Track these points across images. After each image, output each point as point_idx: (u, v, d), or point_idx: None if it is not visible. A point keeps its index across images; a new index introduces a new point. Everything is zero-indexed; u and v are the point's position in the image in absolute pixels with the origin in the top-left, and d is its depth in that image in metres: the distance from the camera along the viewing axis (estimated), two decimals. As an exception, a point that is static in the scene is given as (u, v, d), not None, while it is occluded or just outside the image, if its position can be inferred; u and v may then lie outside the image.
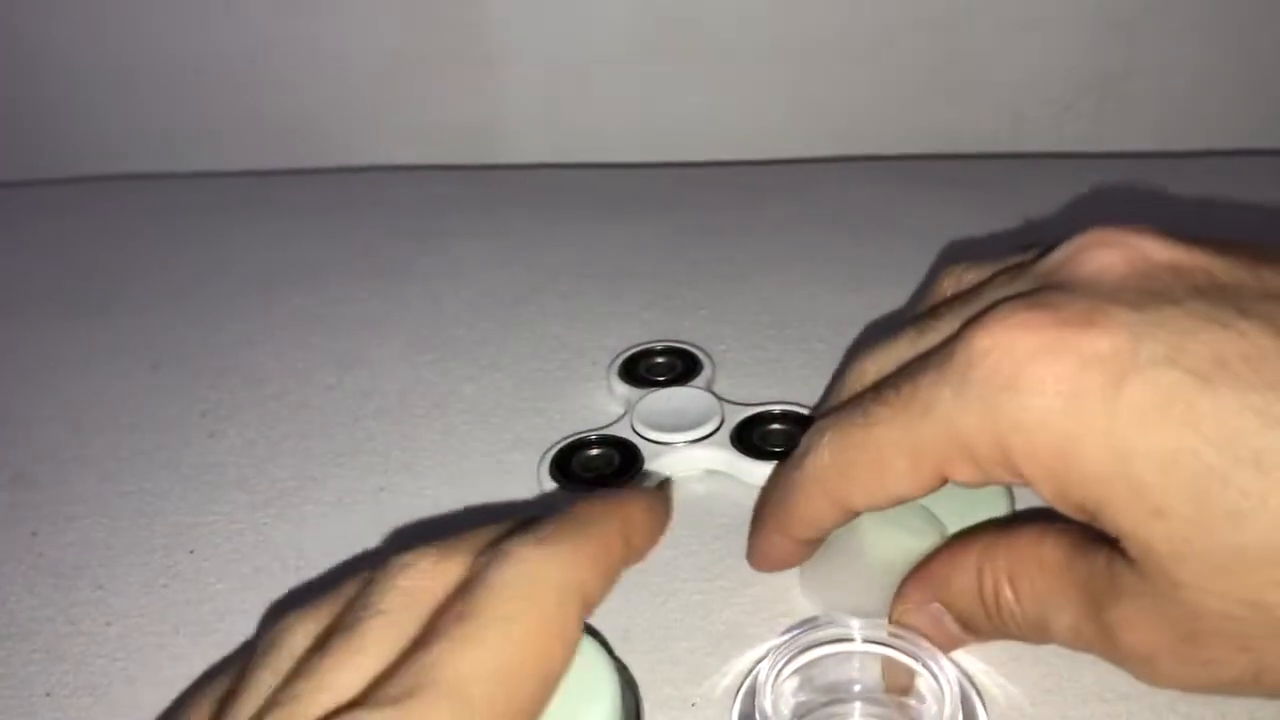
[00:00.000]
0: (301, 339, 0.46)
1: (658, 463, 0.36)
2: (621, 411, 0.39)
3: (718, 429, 0.37)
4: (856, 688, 0.28)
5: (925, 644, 0.27)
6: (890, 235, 0.51)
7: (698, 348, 0.42)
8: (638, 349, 0.42)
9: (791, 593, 0.32)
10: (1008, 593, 0.27)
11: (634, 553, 0.25)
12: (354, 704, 0.20)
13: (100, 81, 0.69)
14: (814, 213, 0.54)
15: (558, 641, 0.21)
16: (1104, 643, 0.25)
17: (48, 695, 0.30)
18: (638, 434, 0.37)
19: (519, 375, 0.43)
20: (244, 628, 0.32)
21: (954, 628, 0.28)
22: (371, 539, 0.35)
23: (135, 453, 0.40)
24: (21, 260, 0.54)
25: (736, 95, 0.68)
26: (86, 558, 0.35)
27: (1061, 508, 0.24)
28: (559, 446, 0.37)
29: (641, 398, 0.39)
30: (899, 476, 0.26)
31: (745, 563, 0.33)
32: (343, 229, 0.55)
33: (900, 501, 0.27)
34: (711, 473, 0.37)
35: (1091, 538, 0.25)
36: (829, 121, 0.68)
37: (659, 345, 0.42)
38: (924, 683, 0.27)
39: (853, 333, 0.43)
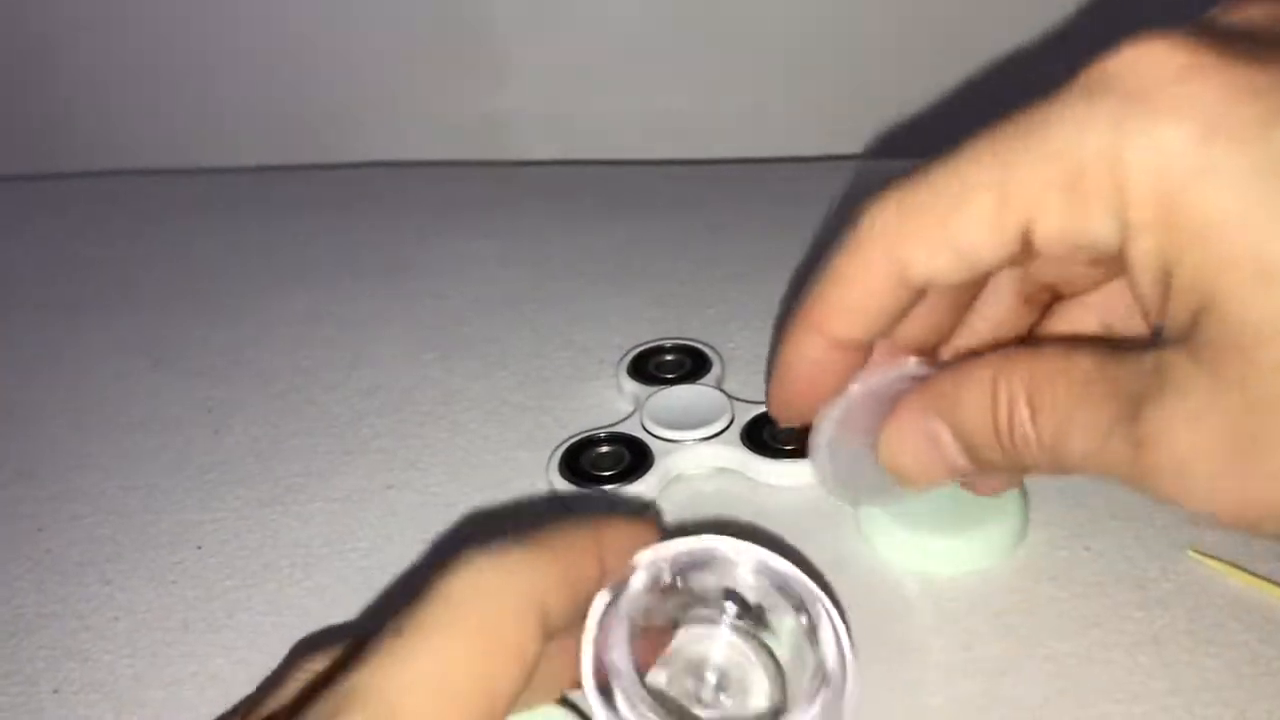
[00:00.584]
0: (308, 336, 0.46)
1: (667, 460, 0.36)
2: (631, 409, 0.39)
3: (728, 427, 0.37)
4: (729, 605, 0.26)
5: (804, 578, 0.25)
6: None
7: (707, 345, 0.42)
8: (647, 346, 0.42)
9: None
10: (1024, 410, 0.23)
11: (609, 575, 0.24)
12: None
13: (106, 77, 0.69)
14: (824, 210, 0.54)
15: (505, 653, 0.20)
16: (1134, 455, 0.21)
17: (55, 692, 0.30)
18: (647, 431, 0.37)
19: (527, 372, 0.42)
20: (251, 624, 0.32)
21: (954, 452, 0.25)
22: (379, 536, 0.35)
23: (141, 449, 0.40)
24: (26, 255, 0.54)
25: (746, 92, 0.68)
26: (93, 554, 0.35)
27: (1147, 264, 0.21)
28: (568, 444, 0.37)
29: (651, 395, 0.38)
30: (976, 220, 0.22)
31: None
32: (349, 225, 0.55)
33: (972, 267, 0.23)
34: (721, 470, 0.37)
35: (1127, 347, 0.23)
36: (839, 119, 0.68)
37: (668, 343, 0.42)
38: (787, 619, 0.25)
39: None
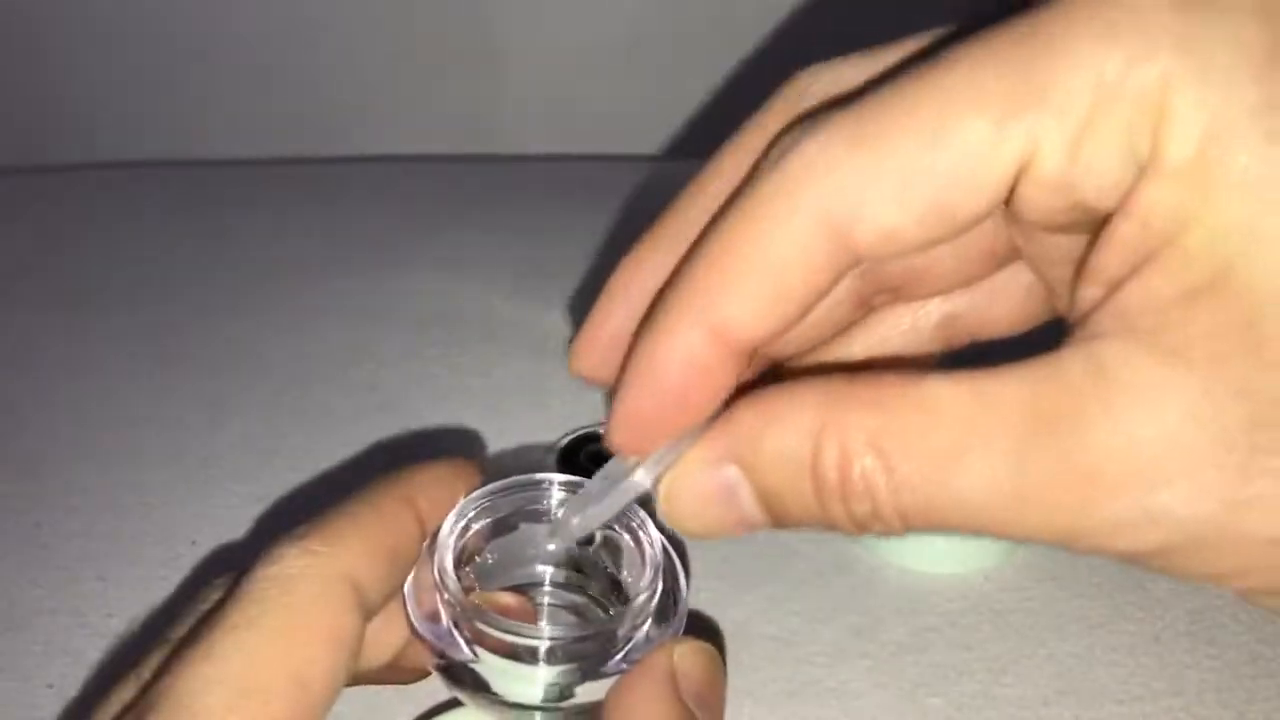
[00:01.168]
0: (305, 330, 0.46)
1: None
2: (630, 406, 0.39)
3: (727, 424, 0.37)
4: (550, 549, 0.25)
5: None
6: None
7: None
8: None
9: (809, 586, 0.32)
10: (869, 460, 0.17)
11: (427, 527, 0.23)
12: None
13: (105, 70, 0.69)
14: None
15: (313, 639, 0.20)
16: (1067, 481, 0.16)
17: (50, 687, 0.30)
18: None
19: (525, 367, 0.42)
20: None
21: (751, 508, 0.19)
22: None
23: (138, 444, 0.39)
24: (23, 249, 0.54)
25: (746, 88, 0.68)
26: (90, 550, 0.35)
27: (1151, 219, 0.16)
28: (567, 439, 0.37)
29: (650, 392, 0.38)
30: (967, 151, 0.16)
31: (754, 565, 0.33)
32: (347, 219, 0.55)
33: (948, 222, 0.17)
34: (721, 469, 0.36)
35: (994, 368, 0.17)
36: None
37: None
38: (627, 549, 0.24)
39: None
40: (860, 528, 0.18)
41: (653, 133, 0.68)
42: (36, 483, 0.38)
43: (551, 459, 0.36)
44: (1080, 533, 0.16)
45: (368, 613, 0.21)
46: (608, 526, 0.23)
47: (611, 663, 0.22)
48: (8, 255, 0.53)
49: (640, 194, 0.56)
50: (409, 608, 0.23)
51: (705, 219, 0.19)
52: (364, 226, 0.54)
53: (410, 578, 0.23)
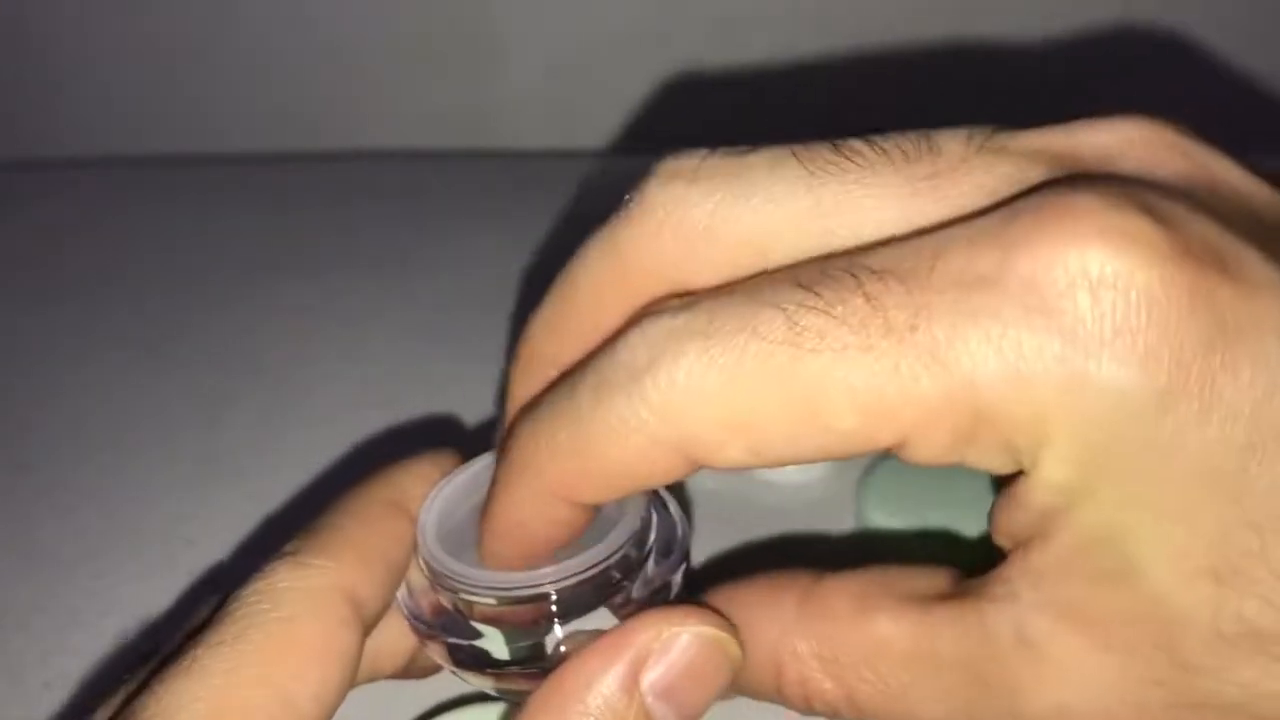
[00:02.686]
0: (302, 327, 0.46)
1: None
2: (630, 404, 0.38)
3: (728, 423, 0.37)
4: None
5: None
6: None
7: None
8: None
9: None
10: (828, 686, 0.19)
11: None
12: None
13: (98, 63, 0.68)
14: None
15: (303, 655, 0.19)
16: None
17: (46, 687, 0.30)
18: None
19: (525, 366, 0.42)
20: (245, 621, 0.32)
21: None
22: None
23: (134, 442, 0.39)
24: (18, 244, 0.54)
25: (747, 85, 0.67)
26: (84, 548, 0.35)
27: (1042, 498, 0.17)
28: None
29: (650, 391, 0.38)
30: (826, 437, 0.17)
31: (757, 563, 0.33)
32: (344, 215, 0.55)
33: (793, 464, 0.18)
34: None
35: (944, 591, 0.19)
36: (839, 111, 0.68)
37: (668, 337, 0.42)
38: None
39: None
40: None
41: (654, 129, 0.68)
42: (31, 481, 0.38)
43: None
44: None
45: (367, 624, 0.20)
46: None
47: (625, 608, 0.21)
48: (2, 252, 0.53)
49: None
50: (406, 614, 0.22)
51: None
52: (363, 222, 0.54)
53: (403, 585, 0.22)
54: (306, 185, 0.58)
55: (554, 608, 0.21)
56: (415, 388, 0.41)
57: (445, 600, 0.22)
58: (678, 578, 0.22)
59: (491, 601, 0.21)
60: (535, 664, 0.21)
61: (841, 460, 0.20)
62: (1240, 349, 0.15)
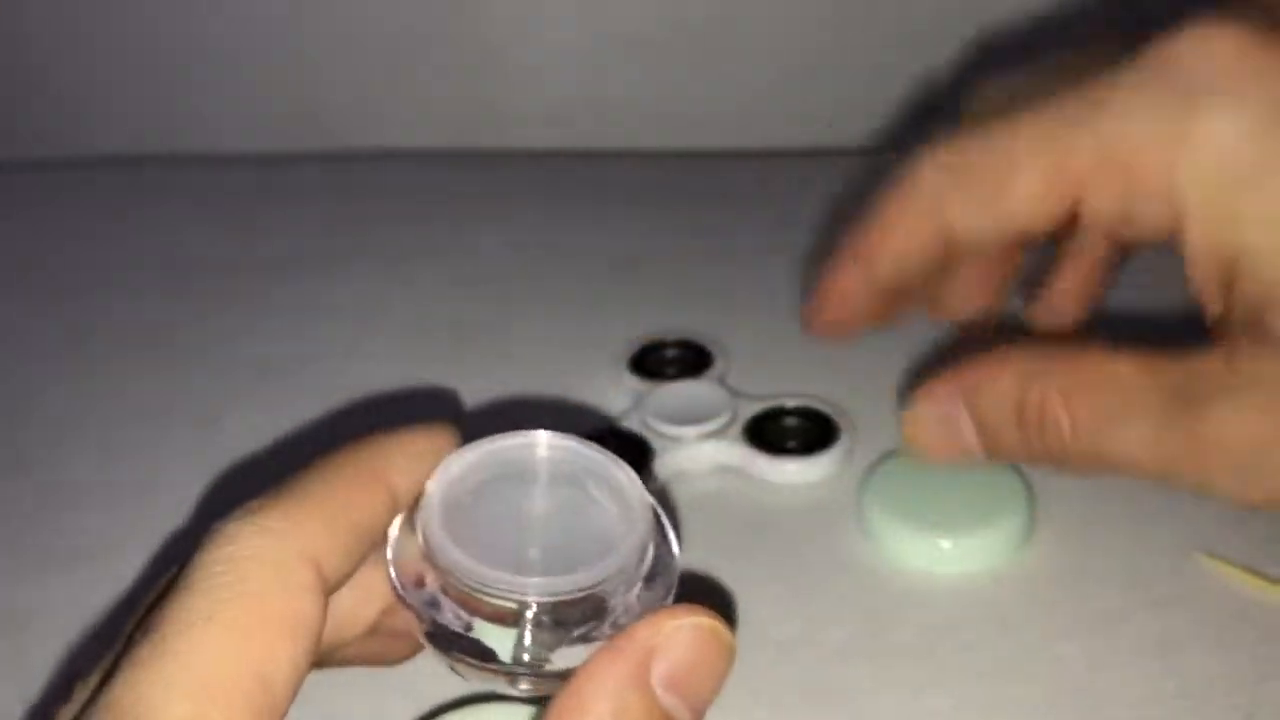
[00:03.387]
0: (305, 326, 0.45)
1: (668, 457, 0.36)
2: (631, 405, 0.38)
3: (730, 423, 0.36)
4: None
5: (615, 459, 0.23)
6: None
7: (710, 340, 0.41)
8: (648, 342, 0.41)
9: (815, 588, 0.32)
10: (1058, 409, 0.24)
11: (399, 499, 0.22)
12: None
13: (102, 62, 0.68)
14: (829, 204, 0.54)
15: (272, 628, 0.18)
16: (1192, 449, 0.23)
17: (46, 686, 0.30)
18: (648, 428, 0.36)
19: (527, 366, 0.42)
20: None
21: (969, 435, 0.26)
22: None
23: (134, 439, 0.39)
24: (20, 243, 0.54)
25: (749, 84, 0.67)
26: (85, 546, 0.35)
27: (1207, 260, 0.22)
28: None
29: (652, 391, 0.38)
30: (1024, 192, 0.23)
31: (759, 564, 0.33)
32: (346, 214, 0.55)
33: (1013, 234, 0.25)
34: (724, 469, 0.36)
35: (1174, 353, 0.24)
36: (842, 112, 0.68)
37: (670, 338, 0.42)
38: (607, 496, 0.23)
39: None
40: (1049, 459, 0.25)
41: (655, 128, 0.68)
42: (31, 479, 0.38)
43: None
44: (1203, 486, 0.24)
45: (330, 589, 0.20)
46: (587, 480, 0.22)
47: (603, 628, 0.21)
48: (4, 250, 0.53)
49: (646, 189, 0.56)
50: (393, 576, 0.21)
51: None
52: (363, 221, 0.54)
53: (391, 544, 0.22)
54: (307, 185, 0.58)
55: (541, 617, 0.21)
56: (415, 385, 0.41)
57: (432, 578, 0.21)
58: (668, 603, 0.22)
59: (480, 595, 0.20)
60: (497, 661, 0.21)
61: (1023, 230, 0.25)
62: None
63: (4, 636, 0.31)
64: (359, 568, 0.21)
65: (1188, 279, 0.23)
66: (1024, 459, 0.26)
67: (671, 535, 0.23)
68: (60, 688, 0.30)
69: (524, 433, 0.23)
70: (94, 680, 0.20)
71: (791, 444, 0.36)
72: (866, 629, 0.30)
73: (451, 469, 0.23)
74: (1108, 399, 0.24)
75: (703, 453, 0.36)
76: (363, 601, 0.22)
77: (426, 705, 0.28)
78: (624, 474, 0.23)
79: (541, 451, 0.23)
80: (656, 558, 0.22)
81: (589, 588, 0.21)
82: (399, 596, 0.22)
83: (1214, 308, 0.23)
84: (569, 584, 0.21)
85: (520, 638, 0.21)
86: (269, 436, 0.39)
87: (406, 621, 0.22)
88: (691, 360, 0.40)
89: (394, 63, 0.68)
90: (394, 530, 0.22)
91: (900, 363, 0.40)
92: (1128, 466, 0.24)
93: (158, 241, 0.53)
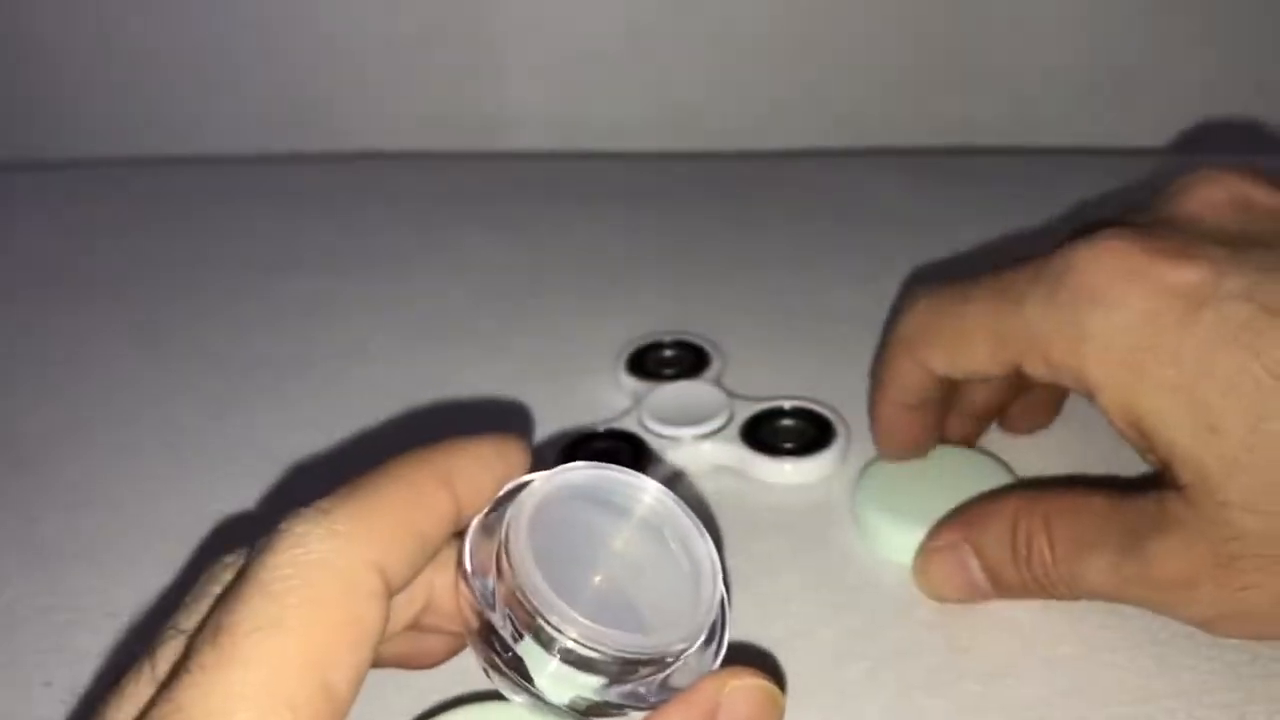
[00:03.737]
0: (304, 327, 0.46)
1: (666, 458, 0.36)
2: (629, 405, 0.38)
3: (727, 424, 0.37)
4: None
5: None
6: (902, 228, 0.50)
7: (707, 341, 0.41)
8: (646, 342, 0.42)
9: (809, 587, 0.32)
10: (1042, 540, 0.28)
11: (464, 508, 0.22)
12: None
13: (102, 64, 0.68)
14: (825, 205, 0.54)
15: (340, 640, 0.19)
16: (1142, 576, 0.26)
17: (47, 685, 0.30)
18: (646, 428, 0.37)
19: (525, 367, 0.42)
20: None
21: (979, 575, 0.29)
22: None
23: (137, 440, 0.39)
24: (23, 244, 0.54)
25: (747, 85, 0.67)
26: (87, 546, 0.35)
27: (1120, 422, 0.27)
28: (566, 440, 0.37)
29: (649, 391, 0.38)
30: (978, 354, 0.29)
31: (756, 564, 0.33)
32: (346, 216, 0.55)
33: (976, 377, 0.30)
34: (721, 469, 0.36)
35: (1132, 491, 0.27)
36: (840, 113, 0.68)
37: (667, 338, 0.42)
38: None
39: (865, 327, 0.42)
40: (1040, 589, 0.28)
41: (656, 129, 0.68)
42: (33, 478, 0.38)
43: (552, 459, 0.36)
44: (1159, 610, 0.28)
45: (390, 597, 0.20)
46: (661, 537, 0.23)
47: (653, 683, 0.22)
48: (4, 251, 0.53)
49: (643, 190, 0.56)
50: (465, 558, 0.22)
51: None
52: (364, 222, 0.54)
53: (471, 531, 0.22)
54: (307, 185, 0.58)
55: (604, 668, 0.21)
56: (415, 386, 0.41)
57: (496, 577, 0.21)
58: (716, 666, 0.23)
59: (534, 613, 0.21)
60: (530, 681, 0.21)
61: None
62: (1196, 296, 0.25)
63: (3, 636, 0.32)
64: (414, 578, 0.21)
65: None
66: (1023, 593, 0.29)
67: (728, 607, 0.23)
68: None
69: (637, 475, 0.23)
70: (146, 672, 0.20)
71: (788, 445, 0.36)
72: (862, 628, 0.30)
73: (555, 480, 0.23)
74: (1081, 528, 0.27)
75: (700, 453, 0.36)
76: (405, 600, 0.22)
77: (426, 705, 0.28)
78: (707, 546, 0.23)
79: (646, 498, 0.23)
80: (718, 625, 0.23)
81: (628, 650, 0.21)
82: (464, 578, 0.21)
83: (1143, 456, 0.27)
84: (612, 638, 0.21)
85: (549, 663, 0.21)
86: (269, 436, 0.39)
87: (460, 607, 0.22)
88: (689, 361, 0.41)
89: (394, 63, 0.68)
90: (475, 520, 0.22)
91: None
92: (1099, 592, 0.28)
93: (158, 241, 0.53)
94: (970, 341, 0.29)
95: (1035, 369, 0.28)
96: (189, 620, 0.21)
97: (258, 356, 0.44)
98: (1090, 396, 0.27)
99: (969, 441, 0.35)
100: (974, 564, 0.29)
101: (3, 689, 0.30)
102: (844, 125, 0.68)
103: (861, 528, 0.33)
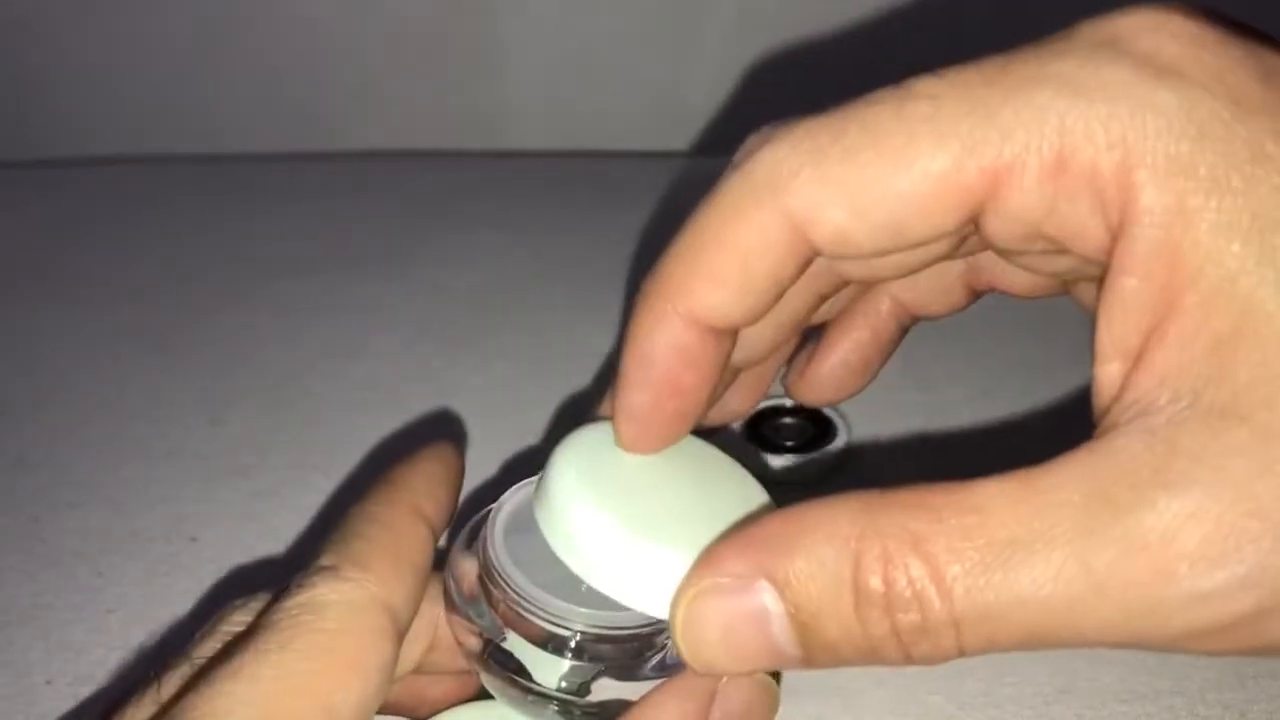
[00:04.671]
0: (304, 326, 0.46)
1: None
2: (630, 403, 0.38)
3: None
4: None
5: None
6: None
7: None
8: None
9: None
10: (915, 560, 0.16)
11: (436, 530, 0.23)
12: None
13: (103, 62, 0.68)
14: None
15: (346, 667, 0.19)
16: (1140, 559, 0.15)
17: (48, 683, 0.30)
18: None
19: (526, 365, 0.42)
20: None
21: (783, 634, 0.17)
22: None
23: (137, 439, 0.39)
24: (20, 244, 0.54)
25: (747, 84, 0.67)
26: (87, 545, 0.35)
27: (1140, 292, 0.16)
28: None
29: (651, 389, 0.38)
30: (925, 180, 0.17)
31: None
32: (346, 215, 0.55)
33: (895, 240, 0.18)
34: (721, 466, 0.36)
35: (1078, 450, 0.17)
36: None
37: (668, 336, 0.42)
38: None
39: (864, 326, 0.43)
40: (907, 649, 0.17)
41: (656, 129, 0.68)
42: (34, 478, 0.38)
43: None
44: (1164, 611, 0.15)
45: (400, 634, 0.21)
46: None
47: (647, 667, 0.22)
48: (4, 250, 0.53)
49: (644, 190, 0.56)
50: (450, 587, 0.23)
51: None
52: (364, 222, 0.54)
53: (453, 555, 0.23)
54: (307, 185, 0.58)
55: (585, 647, 0.21)
56: (415, 386, 0.41)
57: (485, 595, 0.22)
58: None
59: (530, 618, 0.21)
60: (536, 683, 0.22)
61: (930, 240, 0.18)
62: None
63: (3, 635, 0.32)
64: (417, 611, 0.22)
65: (1101, 326, 0.17)
66: (862, 656, 0.17)
67: None
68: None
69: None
70: (152, 695, 0.20)
71: (790, 442, 0.36)
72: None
73: (518, 494, 0.23)
74: (988, 536, 0.16)
75: (701, 451, 0.36)
76: (411, 638, 0.23)
77: (426, 702, 0.28)
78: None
79: None
80: None
81: (636, 627, 0.21)
82: (454, 606, 0.23)
83: (1115, 369, 0.17)
84: (620, 620, 0.21)
85: (561, 665, 0.21)
86: (270, 436, 0.39)
87: (454, 633, 0.23)
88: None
89: (394, 63, 0.68)
90: (453, 551, 0.23)
91: (899, 358, 0.40)
92: (1040, 617, 0.16)
93: (158, 241, 0.53)
94: (919, 158, 0.17)
95: (1019, 199, 0.17)
96: (198, 650, 0.21)
97: (258, 356, 0.44)
98: (1099, 255, 0.17)
99: (735, 416, 0.25)
100: (776, 614, 0.17)
101: (3, 688, 0.30)
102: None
103: (569, 548, 0.21)
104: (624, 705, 0.21)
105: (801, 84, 0.68)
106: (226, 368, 0.43)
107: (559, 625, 0.21)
